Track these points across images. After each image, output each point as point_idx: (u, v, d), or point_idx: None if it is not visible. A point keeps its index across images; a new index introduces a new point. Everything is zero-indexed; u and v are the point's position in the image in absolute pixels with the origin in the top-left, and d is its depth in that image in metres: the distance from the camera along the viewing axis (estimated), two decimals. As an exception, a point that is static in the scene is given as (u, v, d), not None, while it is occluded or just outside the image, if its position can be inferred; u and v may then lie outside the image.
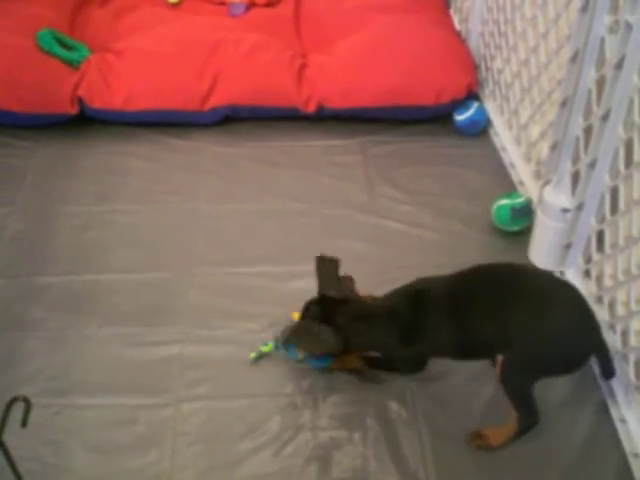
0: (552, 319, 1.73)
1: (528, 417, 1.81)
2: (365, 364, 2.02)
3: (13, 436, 1.44)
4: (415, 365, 1.97)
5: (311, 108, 2.90)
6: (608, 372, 1.87)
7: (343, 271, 1.99)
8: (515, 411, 1.81)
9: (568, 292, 1.80)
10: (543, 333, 1.72)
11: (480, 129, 2.93)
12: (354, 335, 1.89)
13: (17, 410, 1.43)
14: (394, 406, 1.97)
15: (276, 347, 2.06)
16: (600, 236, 2.10)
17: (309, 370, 2.04)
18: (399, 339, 1.88)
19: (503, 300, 1.77)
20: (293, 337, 1.95)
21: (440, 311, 1.84)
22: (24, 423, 1.42)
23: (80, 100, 2.84)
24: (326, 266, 1.99)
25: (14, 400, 1.43)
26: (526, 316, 1.73)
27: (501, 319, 1.75)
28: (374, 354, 2.02)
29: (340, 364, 2.03)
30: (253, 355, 2.05)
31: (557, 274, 2.17)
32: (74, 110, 2.85)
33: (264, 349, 2.06)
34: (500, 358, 1.78)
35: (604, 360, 1.84)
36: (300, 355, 2.00)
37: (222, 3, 3.37)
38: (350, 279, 2.00)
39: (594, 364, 2.02)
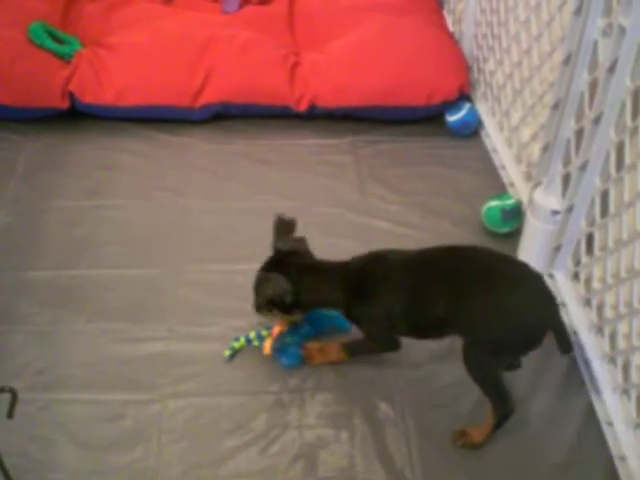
0: (507, 297, 1.74)
1: (502, 406, 1.82)
2: (346, 351, 2.02)
3: (-2, 430, 1.43)
4: (392, 342, 1.96)
5: (303, 106, 2.89)
6: (566, 346, 1.85)
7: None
8: (488, 400, 1.82)
9: (522, 269, 1.81)
10: (499, 311, 1.74)
11: (471, 130, 2.94)
12: (305, 287, 1.90)
13: (2, 404, 1.42)
14: (382, 406, 1.97)
15: (248, 341, 2.06)
16: (590, 239, 2.11)
17: (297, 368, 2.03)
18: (349, 296, 1.89)
19: (458, 278, 1.78)
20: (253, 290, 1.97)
21: (393, 277, 1.85)
22: (10, 414, 1.41)
23: (71, 94, 2.83)
24: (282, 226, 2.03)
25: (0, 391, 1.42)
26: (481, 295, 1.74)
27: (454, 296, 1.77)
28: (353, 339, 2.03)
29: (321, 358, 2.03)
30: (227, 352, 2.05)
31: (546, 277, 2.17)
32: (65, 104, 2.83)
33: (236, 345, 2.06)
34: (463, 344, 1.80)
35: (561, 335, 1.83)
36: (265, 344, 2.01)
37: (215, 0, 3.36)
38: (303, 240, 2.02)
39: (581, 365, 2.03)
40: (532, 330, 1.77)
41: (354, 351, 2.03)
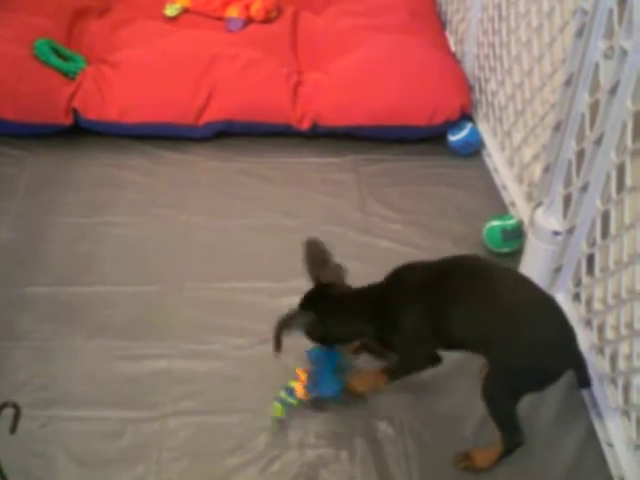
0: (534, 331, 1.72)
1: (512, 437, 1.81)
2: (387, 375, 1.95)
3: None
4: (428, 358, 1.92)
5: (305, 125, 2.91)
6: (585, 382, 1.84)
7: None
8: (498, 430, 1.81)
9: (548, 302, 1.79)
10: (525, 345, 1.71)
11: (473, 150, 2.95)
12: (335, 322, 1.89)
13: (4, 421, 1.42)
14: (382, 425, 1.97)
15: (285, 404, 1.94)
16: (590, 260, 2.11)
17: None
18: (378, 322, 1.87)
19: (484, 302, 1.76)
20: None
21: (415, 291, 1.84)
22: (13, 429, 1.41)
23: (75, 111, 2.84)
24: (314, 251, 1.98)
25: (3, 406, 1.43)
26: (507, 326, 1.72)
27: (480, 323, 1.75)
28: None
29: (361, 386, 2.01)
30: (275, 428, 1.95)
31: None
32: (68, 121, 2.85)
33: (279, 414, 1.94)
34: (483, 373, 1.78)
35: (581, 370, 1.82)
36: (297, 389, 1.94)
37: (220, 18, 3.38)
38: (339, 266, 1.98)
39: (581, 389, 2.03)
40: (558, 364, 1.76)
41: (394, 374, 1.97)
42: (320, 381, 1.95)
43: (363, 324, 1.89)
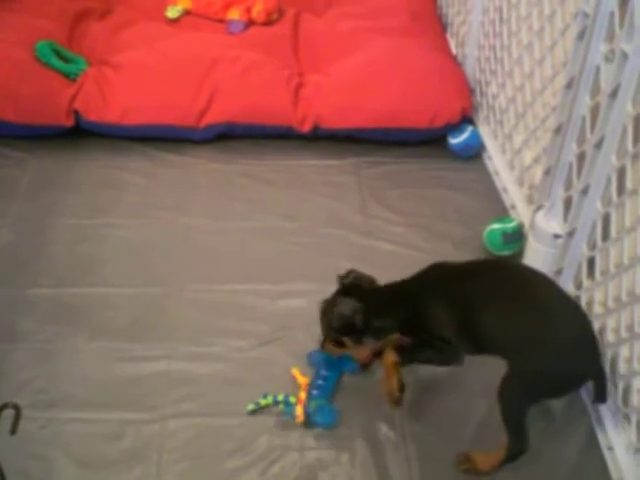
0: (563, 337, 1.74)
1: (518, 443, 1.81)
2: (400, 355, 1.93)
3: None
4: (449, 353, 1.93)
5: (306, 127, 2.91)
6: (602, 397, 1.85)
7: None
8: (507, 435, 1.80)
9: (578, 312, 1.82)
10: (553, 350, 1.72)
11: (474, 153, 2.95)
12: (373, 309, 1.90)
13: (4, 422, 1.43)
14: (383, 428, 1.97)
15: (275, 402, 1.97)
16: (591, 263, 2.11)
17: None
18: (408, 311, 1.90)
19: (509, 297, 1.79)
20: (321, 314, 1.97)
21: (442, 286, 1.88)
22: (14, 430, 1.42)
23: (76, 113, 2.85)
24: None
25: (4, 407, 1.43)
26: (540, 329, 1.73)
27: (512, 323, 1.77)
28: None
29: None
30: (250, 407, 1.97)
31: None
32: (70, 122, 2.85)
33: (262, 402, 1.97)
34: (503, 375, 1.78)
35: (600, 384, 1.83)
36: (297, 412, 1.94)
37: (221, 20, 3.39)
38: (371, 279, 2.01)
39: (582, 390, 2.03)
40: (580, 373, 1.78)
41: (411, 358, 1.95)
42: (317, 411, 1.95)
43: (395, 316, 1.92)
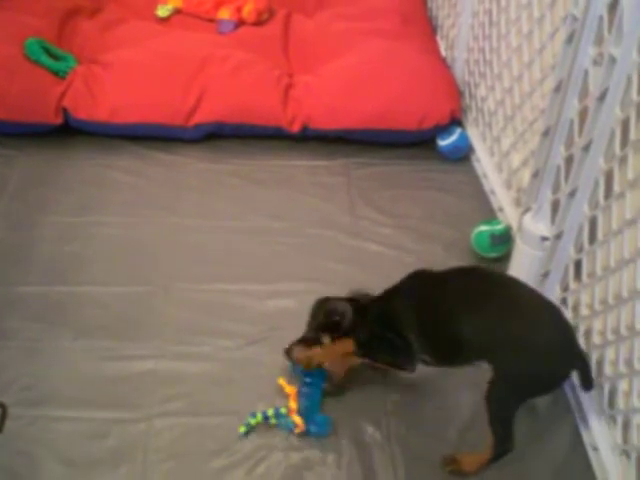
0: (543, 335, 1.75)
1: (504, 444, 1.82)
2: (357, 345, 1.94)
3: (-16, 446, 1.43)
4: (404, 358, 1.93)
5: (296, 128, 2.91)
6: (588, 383, 1.86)
7: (322, 292, 2.01)
8: (493, 436, 1.81)
9: (551, 306, 1.84)
10: (533, 349, 1.73)
11: (462, 155, 2.96)
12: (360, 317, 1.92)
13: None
14: (369, 429, 1.97)
15: (265, 418, 1.95)
16: (578, 265, 2.12)
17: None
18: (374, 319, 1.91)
19: (485, 300, 1.80)
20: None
21: (407, 290, 1.91)
22: (0, 429, 1.41)
23: (65, 110, 2.84)
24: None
25: (-10, 405, 1.43)
26: (514, 323, 1.75)
27: (481, 318, 1.78)
28: None
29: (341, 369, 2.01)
30: (243, 429, 1.93)
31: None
32: (58, 120, 2.84)
33: (252, 421, 1.94)
34: (490, 379, 1.78)
35: (585, 372, 1.84)
36: (296, 422, 1.93)
37: (211, 20, 3.39)
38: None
39: (567, 391, 2.04)
40: (565, 367, 1.80)
41: (367, 349, 1.94)
42: (309, 420, 1.94)
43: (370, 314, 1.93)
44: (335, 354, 1.96)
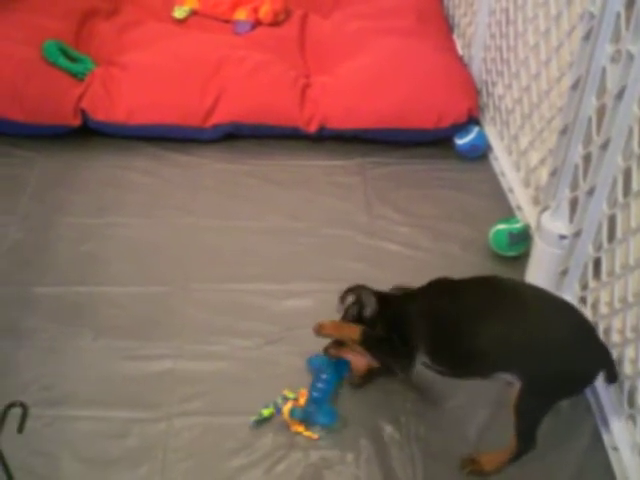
0: (561, 335, 1.74)
1: (527, 443, 1.80)
2: (362, 336, 1.91)
3: (4, 445, 1.44)
4: (402, 362, 1.91)
5: (313, 128, 2.91)
6: (613, 377, 1.83)
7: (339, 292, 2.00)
8: (515, 437, 1.80)
9: (569, 307, 1.83)
10: (555, 351, 1.72)
11: (480, 154, 2.95)
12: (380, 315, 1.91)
13: (11, 420, 1.43)
14: (387, 428, 1.97)
15: (277, 410, 1.96)
16: (597, 263, 2.11)
17: (303, 388, 2.02)
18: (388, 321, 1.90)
19: (514, 317, 1.77)
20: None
21: (422, 300, 1.89)
22: (20, 429, 1.42)
23: (83, 112, 2.85)
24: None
25: (11, 405, 1.43)
26: (533, 335, 1.73)
27: (504, 336, 1.75)
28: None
29: (331, 329, 1.98)
30: (254, 419, 1.95)
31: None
32: (77, 122, 2.86)
33: (265, 412, 1.95)
34: (517, 386, 1.76)
35: (609, 366, 1.82)
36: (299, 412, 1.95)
37: (228, 21, 3.40)
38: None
39: (587, 390, 2.03)
40: (592, 367, 1.78)
41: (371, 343, 1.93)
42: (317, 410, 1.95)
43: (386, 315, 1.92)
44: (340, 333, 1.96)
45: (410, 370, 1.91)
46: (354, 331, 1.92)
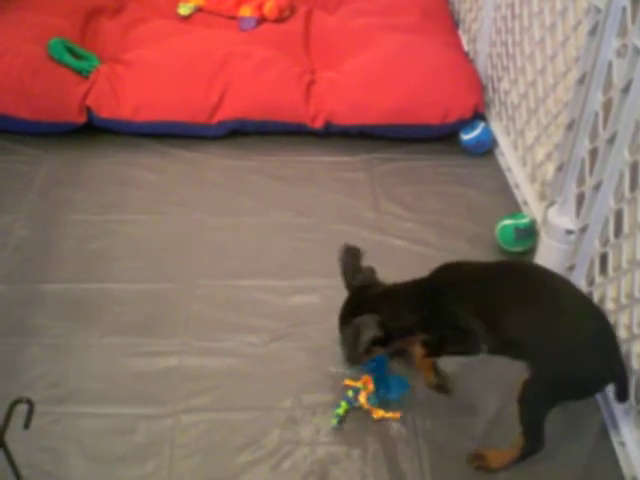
0: (585, 340, 1.72)
1: (534, 443, 1.80)
2: (426, 350, 1.95)
3: (11, 442, 1.44)
4: (470, 344, 1.87)
5: (318, 124, 2.91)
6: (624, 395, 1.82)
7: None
8: (523, 436, 1.79)
9: (600, 313, 1.81)
10: (576, 353, 1.71)
11: (486, 149, 2.94)
12: (388, 316, 1.86)
13: (17, 417, 1.43)
14: (394, 424, 1.97)
15: (349, 403, 1.98)
16: (603, 259, 2.10)
17: (309, 384, 2.03)
18: (425, 311, 1.87)
19: (530, 299, 1.77)
20: (344, 347, 1.94)
21: (462, 286, 1.85)
22: (27, 425, 1.42)
23: (88, 109, 2.86)
24: (349, 255, 2.00)
25: (18, 401, 1.44)
26: (565, 332, 1.72)
27: (537, 325, 1.74)
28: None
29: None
30: (334, 421, 1.95)
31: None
32: (82, 119, 2.86)
33: (341, 411, 1.96)
34: (523, 378, 1.75)
35: (623, 383, 1.81)
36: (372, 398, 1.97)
37: (233, 17, 3.39)
38: (372, 269, 2.01)
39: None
40: (605, 375, 1.77)
41: (435, 351, 1.94)
42: (386, 388, 1.99)
43: (415, 317, 1.88)
44: (421, 365, 2.02)
45: (481, 346, 1.86)
46: (420, 353, 1.95)
